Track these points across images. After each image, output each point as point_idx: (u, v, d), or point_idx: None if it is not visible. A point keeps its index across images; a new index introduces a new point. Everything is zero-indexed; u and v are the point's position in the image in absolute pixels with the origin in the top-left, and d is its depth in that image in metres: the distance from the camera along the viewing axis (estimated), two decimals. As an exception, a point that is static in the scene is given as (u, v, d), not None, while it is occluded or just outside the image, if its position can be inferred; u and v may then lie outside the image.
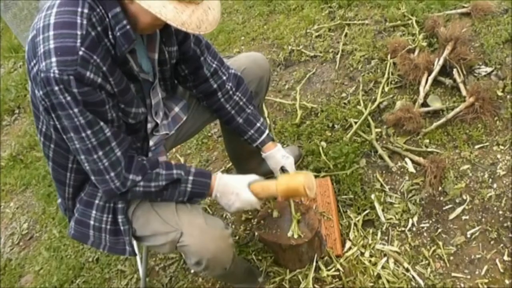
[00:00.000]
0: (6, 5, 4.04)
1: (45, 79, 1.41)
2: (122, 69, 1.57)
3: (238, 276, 2.13)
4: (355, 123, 2.76)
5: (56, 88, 1.41)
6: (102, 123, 1.53)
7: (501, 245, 2.07)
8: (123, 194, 1.66)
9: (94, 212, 1.78)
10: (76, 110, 1.45)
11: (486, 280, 1.99)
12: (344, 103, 2.96)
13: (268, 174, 2.32)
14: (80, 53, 1.40)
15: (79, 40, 1.40)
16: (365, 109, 2.81)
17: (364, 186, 2.47)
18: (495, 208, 2.18)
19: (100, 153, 1.56)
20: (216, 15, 1.48)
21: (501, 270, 2.00)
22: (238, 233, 2.53)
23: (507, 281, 1.96)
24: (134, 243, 1.89)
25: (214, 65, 1.97)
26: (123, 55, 1.55)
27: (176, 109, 2.08)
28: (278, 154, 2.09)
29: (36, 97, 1.52)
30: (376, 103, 2.82)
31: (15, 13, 4.09)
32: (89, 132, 1.51)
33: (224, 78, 2.00)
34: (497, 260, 2.03)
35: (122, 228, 1.79)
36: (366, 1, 3.65)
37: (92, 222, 1.79)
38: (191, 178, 1.75)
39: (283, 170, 2.09)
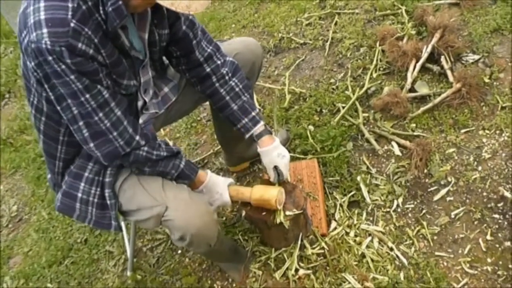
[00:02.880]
0: (-3, -8, 4.03)
1: (36, 50, 1.41)
2: (114, 44, 1.58)
3: (223, 254, 2.16)
4: (343, 107, 2.78)
5: (50, 58, 1.42)
6: (99, 86, 1.55)
7: (485, 225, 2.10)
8: (126, 155, 1.69)
9: (82, 184, 1.80)
10: (72, 76, 1.47)
11: (469, 259, 2.02)
12: (333, 89, 2.98)
13: (257, 157, 2.34)
14: (72, 25, 1.41)
15: (70, 12, 1.41)
16: (353, 94, 2.83)
17: (351, 168, 2.50)
18: (479, 190, 2.21)
19: (101, 114, 1.59)
20: None
21: (484, 249, 2.03)
22: (225, 214, 2.55)
23: (489, 260, 1.99)
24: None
25: (209, 50, 1.95)
26: (115, 30, 1.55)
27: (166, 89, 2.08)
28: (274, 152, 2.03)
29: (28, 69, 1.53)
30: (364, 88, 2.83)
31: (6, -1, 4.07)
32: (87, 95, 1.53)
33: (219, 62, 1.98)
34: (480, 240, 2.06)
35: (108, 202, 1.80)
36: (356, -10, 3.67)
37: (79, 195, 1.80)
38: (184, 159, 1.86)
39: (276, 169, 2.03)
